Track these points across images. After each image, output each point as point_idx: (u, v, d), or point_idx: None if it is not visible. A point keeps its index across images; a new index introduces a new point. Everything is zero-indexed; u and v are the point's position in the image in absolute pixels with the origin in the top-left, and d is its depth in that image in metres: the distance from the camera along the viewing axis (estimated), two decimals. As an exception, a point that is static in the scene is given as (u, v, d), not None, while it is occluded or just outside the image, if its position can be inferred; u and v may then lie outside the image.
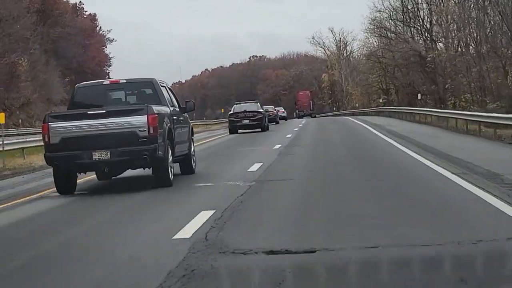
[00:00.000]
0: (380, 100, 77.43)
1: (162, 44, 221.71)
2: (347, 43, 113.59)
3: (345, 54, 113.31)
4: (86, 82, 14.93)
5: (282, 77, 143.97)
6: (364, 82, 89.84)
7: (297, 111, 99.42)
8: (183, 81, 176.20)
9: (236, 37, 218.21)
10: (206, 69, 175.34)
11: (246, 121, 39.96)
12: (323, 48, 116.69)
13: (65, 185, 13.64)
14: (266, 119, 41.92)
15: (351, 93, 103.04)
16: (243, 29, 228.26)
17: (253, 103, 43.43)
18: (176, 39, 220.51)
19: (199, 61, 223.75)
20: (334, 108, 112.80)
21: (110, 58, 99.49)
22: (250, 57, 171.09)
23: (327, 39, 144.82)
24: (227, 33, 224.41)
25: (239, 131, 39.86)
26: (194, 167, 15.92)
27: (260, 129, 39.77)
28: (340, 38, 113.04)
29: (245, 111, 40.44)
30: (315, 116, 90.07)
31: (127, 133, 12.93)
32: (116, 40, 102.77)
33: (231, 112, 41.24)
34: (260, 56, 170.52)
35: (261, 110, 41.44)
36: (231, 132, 39.81)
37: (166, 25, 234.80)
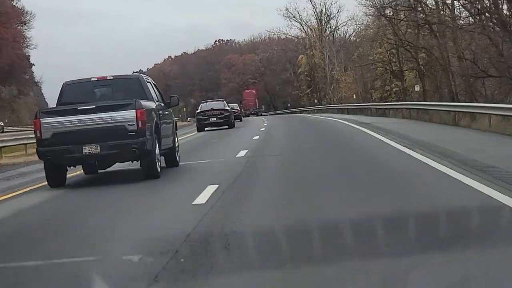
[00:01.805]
0: (415, 89, 52.35)
1: (131, 33, 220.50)
2: (331, 16, 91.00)
3: (328, 30, 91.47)
4: (73, 79, 15.82)
5: (251, 63, 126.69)
6: (359, 61, 65.62)
7: (242, 110, 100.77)
8: (144, 69, 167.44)
9: (210, 27, 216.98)
10: (170, 56, 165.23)
11: (214, 119, 43.06)
12: (300, 23, 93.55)
13: (56, 179, 14.50)
14: (233, 116, 45.22)
15: (337, 79, 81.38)
16: (219, 19, 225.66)
17: (219, 101, 47.13)
18: (146, 30, 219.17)
19: (166, 49, 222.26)
20: (316, 101, 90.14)
21: (26, 38, 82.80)
22: (216, 41, 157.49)
23: (305, 11, 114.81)
24: (202, 24, 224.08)
25: (206, 128, 42.82)
26: (178, 161, 16.87)
27: (227, 126, 42.70)
28: (322, 10, 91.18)
29: (212, 109, 43.51)
30: (261, 115, 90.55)
31: (117, 127, 14.04)
32: (34, 15, 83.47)
33: (199, 110, 44.39)
34: (226, 41, 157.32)
35: (227, 108, 44.82)
36: (199, 130, 42.58)
37: (136, 14, 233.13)
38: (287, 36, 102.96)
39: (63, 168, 14.96)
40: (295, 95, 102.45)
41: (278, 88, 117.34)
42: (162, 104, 16.53)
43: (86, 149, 14.23)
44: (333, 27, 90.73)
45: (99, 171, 16.73)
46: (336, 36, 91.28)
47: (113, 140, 14.18)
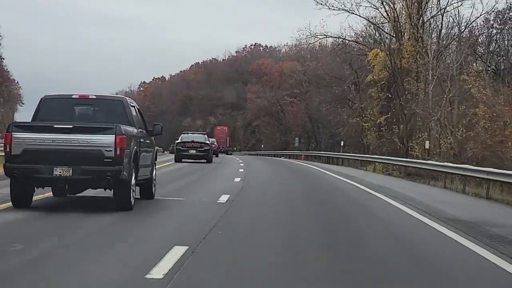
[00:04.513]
0: None
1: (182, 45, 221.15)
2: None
3: (433, 7, 50.76)
4: (53, 94, 15.50)
5: (291, 75, 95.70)
6: None
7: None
8: (167, 77, 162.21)
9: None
10: (197, 63, 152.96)
11: (193, 151, 45.67)
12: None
13: (21, 198, 14.35)
14: (212, 151, 47.54)
15: (465, 95, 43.21)
16: (278, 41, 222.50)
17: (201, 134, 49.83)
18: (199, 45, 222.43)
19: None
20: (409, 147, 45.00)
21: None
22: (250, 45, 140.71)
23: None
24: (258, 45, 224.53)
25: (183, 160, 45.48)
26: (154, 192, 16.66)
27: (205, 160, 45.43)
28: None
29: (192, 141, 45.97)
30: (231, 154, 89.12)
31: (93, 151, 14.08)
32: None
33: (179, 141, 46.77)
34: (265, 46, 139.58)
35: (208, 142, 47.22)
36: (176, 160, 45.07)
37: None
38: (354, 15, 56.15)
39: (30, 188, 14.64)
40: (354, 126, 60.33)
41: (324, 110, 75.85)
42: (144, 132, 16.38)
43: (57, 171, 14.14)
44: (444, 5, 49.24)
45: (68, 195, 16.29)
46: (458, 12, 53.01)
47: (87, 164, 14.17)
